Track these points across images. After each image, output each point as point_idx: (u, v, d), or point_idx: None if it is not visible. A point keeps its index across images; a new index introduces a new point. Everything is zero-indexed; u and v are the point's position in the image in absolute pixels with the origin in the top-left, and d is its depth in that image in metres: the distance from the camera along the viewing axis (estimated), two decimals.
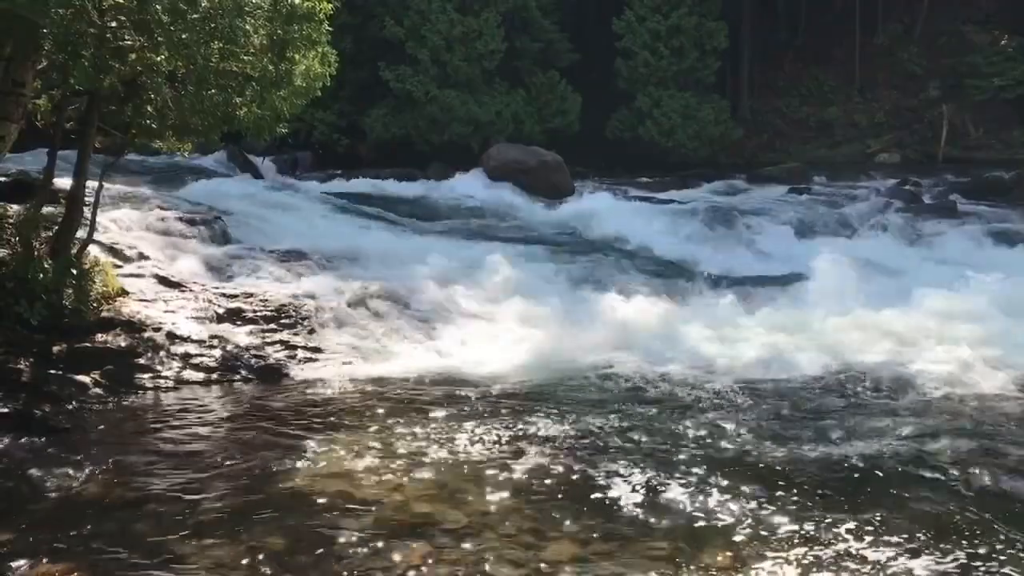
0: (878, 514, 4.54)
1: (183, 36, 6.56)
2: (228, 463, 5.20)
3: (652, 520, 4.48)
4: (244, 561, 4.04)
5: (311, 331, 7.82)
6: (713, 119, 25.44)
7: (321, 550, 4.14)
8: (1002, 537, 4.30)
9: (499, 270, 9.68)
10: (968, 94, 26.14)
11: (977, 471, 5.15)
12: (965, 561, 4.08)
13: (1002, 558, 4.09)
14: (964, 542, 4.25)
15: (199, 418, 6.02)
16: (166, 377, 6.75)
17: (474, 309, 8.75)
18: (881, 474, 5.13)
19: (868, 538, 4.29)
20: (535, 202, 16.88)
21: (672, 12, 25.37)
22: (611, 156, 24.75)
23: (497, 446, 5.49)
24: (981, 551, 4.16)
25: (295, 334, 7.73)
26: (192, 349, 7.15)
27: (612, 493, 4.80)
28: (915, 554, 4.15)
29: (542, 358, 7.36)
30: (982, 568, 4.02)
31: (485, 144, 21.76)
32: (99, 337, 6.93)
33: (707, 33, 25.58)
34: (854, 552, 4.16)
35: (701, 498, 4.73)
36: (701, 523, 4.46)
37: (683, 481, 4.96)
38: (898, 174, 22.10)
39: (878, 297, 9.46)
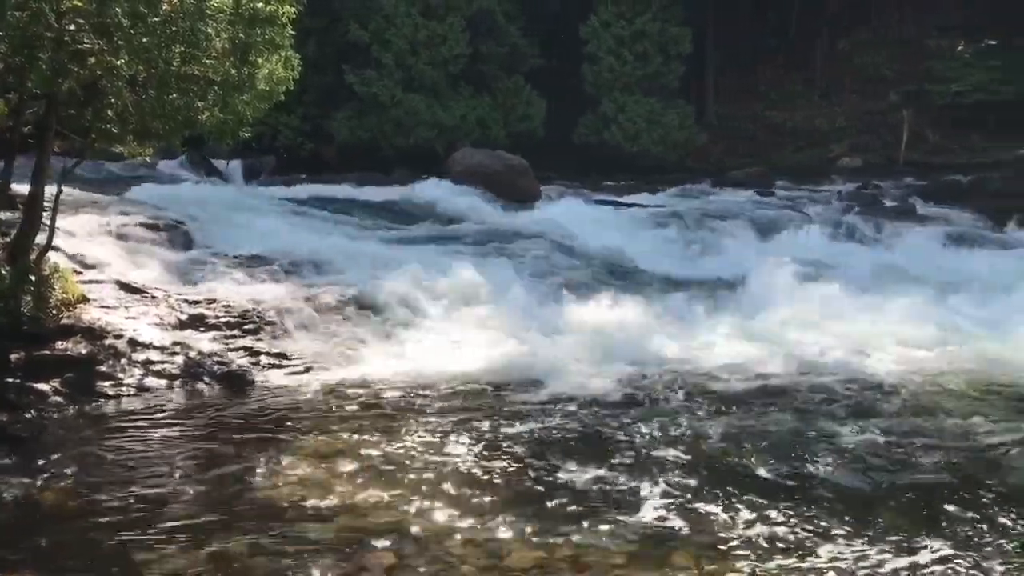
0: (842, 508, 4.61)
1: (143, 40, 6.49)
2: (190, 471, 5.15)
3: (613, 524, 4.51)
4: (205, 568, 4.01)
5: (275, 337, 7.77)
6: (677, 124, 25.63)
7: (284, 557, 4.12)
8: (964, 528, 4.37)
9: (464, 275, 9.66)
10: (928, 100, 26.55)
11: (930, 465, 5.24)
12: (923, 552, 4.14)
13: (962, 550, 4.16)
14: (924, 533, 4.32)
15: (161, 426, 5.95)
16: (127, 384, 6.67)
17: (439, 314, 8.73)
18: (844, 470, 5.21)
19: (833, 533, 4.34)
20: (501, 206, 16.87)
21: (637, 18, 25.53)
22: (578, 161, 24.81)
23: (461, 452, 5.49)
24: (946, 542, 4.23)
25: (259, 340, 7.67)
26: (154, 356, 7.06)
27: (575, 498, 4.82)
28: (871, 544, 4.21)
29: (507, 364, 7.35)
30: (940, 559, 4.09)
31: (451, 148, 21.73)
32: (59, 344, 6.83)
33: (671, 39, 25.77)
34: (817, 550, 4.20)
35: (661, 501, 4.77)
36: (661, 525, 4.50)
37: (644, 485, 5.00)
38: (860, 178, 22.42)
39: (839, 299, 9.59)
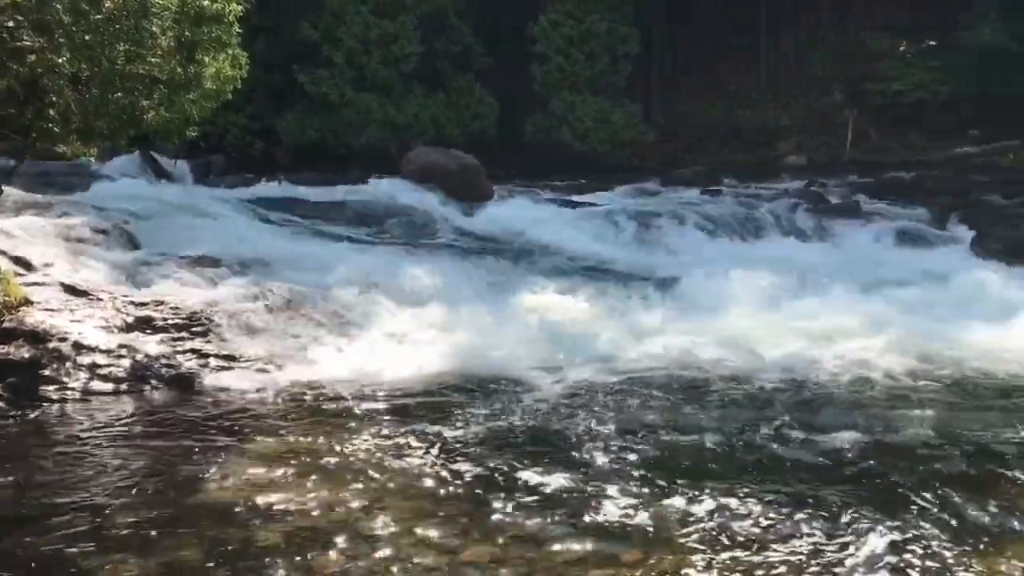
0: (792, 499, 4.70)
1: (86, 37, 6.39)
2: (139, 476, 5.08)
3: (568, 520, 4.55)
4: (157, 574, 3.96)
5: (224, 338, 7.68)
6: (625, 123, 25.83)
7: (237, 561, 4.08)
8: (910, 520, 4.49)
9: (417, 274, 9.65)
10: (870, 99, 27.10)
11: (878, 457, 5.36)
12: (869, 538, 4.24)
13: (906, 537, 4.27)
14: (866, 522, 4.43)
15: (108, 430, 5.87)
16: (73, 389, 6.55)
17: (392, 314, 8.70)
18: (792, 462, 5.31)
19: (784, 525, 4.43)
20: (454, 206, 16.85)
21: (586, 17, 25.68)
22: (529, 160, 24.88)
23: (414, 451, 5.50)
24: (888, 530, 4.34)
25: (208, 342, 7.58)
26: (100, 359, 6.95)
27: (529, 495, 4.85)
28: (817, 533, 4.31)
29: (460, 362, 7.38)
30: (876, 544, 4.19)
31: (404, 147, 21.65)
32: (0, 349, 6.69)
33: (619, 38, 25.96)
34: (769, 543, 4.28)
35: (615, 496, 4.82)
36: (615, 521, 4.54)
37: (596, 480, 5.05)
38: (805, 176, 22.81)
39: (784, 294, 9.77)
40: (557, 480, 5.04)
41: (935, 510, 4.65)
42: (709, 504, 4.72)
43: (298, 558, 4.11)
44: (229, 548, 4.20)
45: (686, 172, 23.64)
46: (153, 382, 6.87)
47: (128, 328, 7.52)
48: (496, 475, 5.12)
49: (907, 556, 4.13)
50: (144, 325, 7.65)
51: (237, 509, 4.61)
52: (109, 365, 6.91)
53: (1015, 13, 24.16)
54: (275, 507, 4.63)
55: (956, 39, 25.98)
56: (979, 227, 15.65)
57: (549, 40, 25.71)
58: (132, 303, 7.96)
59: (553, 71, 25.68)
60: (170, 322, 7.79)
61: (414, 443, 5.63)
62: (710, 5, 29.72)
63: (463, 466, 5.25)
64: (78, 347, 6.98)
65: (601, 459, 5.40)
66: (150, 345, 7.33)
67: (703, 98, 29.14)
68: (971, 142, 24.68)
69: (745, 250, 13.50)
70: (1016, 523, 4.50)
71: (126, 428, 5.93)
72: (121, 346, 7.17)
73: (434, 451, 5.50)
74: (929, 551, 4.18)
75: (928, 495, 4.84)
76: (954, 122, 25.29)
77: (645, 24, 27.22)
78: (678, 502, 4.75)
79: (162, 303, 8.09)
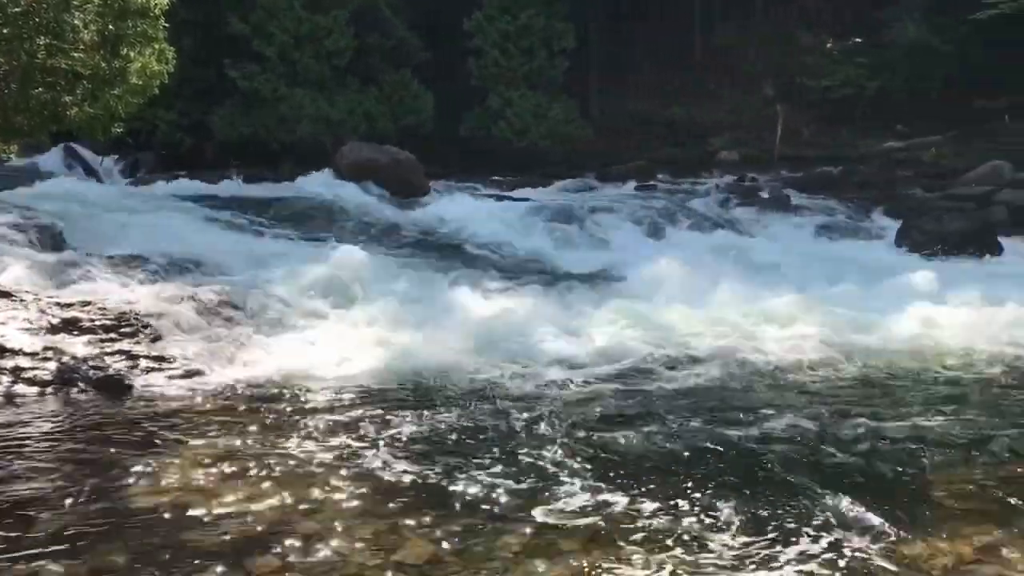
0: (728, 492, 4.79)
1: (4, 31, 6.21)
2: (66, 481, 4.95)
3: (506, 516, 4.56)
4: None
5: (154, 339, 7.54)
6: (563, 118, 25.97)
7: (168, 565, 4.01)
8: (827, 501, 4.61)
9: (351, 271, 9.58)
10: (800, 95, 27.66)
11: (810, 443, 5.50)
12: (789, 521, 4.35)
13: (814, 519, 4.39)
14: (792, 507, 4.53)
15: (33, 434, 5.70)
16: None
17: (326, 312, 8.63)
18: (729, 456, 5.41)
19: (721, 519, 4.51)
20: (389, 201, 16.78)
21: (521, 12, 25.73)
22: (466, 155, 24.87)
23: (350, 451, 5.46)
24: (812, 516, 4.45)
25: (137, 343, 7.43)
26: (24, 362, 6.76)
27: (467, 493, 4.85)
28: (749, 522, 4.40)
29: (395, 361, 7.34)
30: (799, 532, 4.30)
31: (338, 143, 21.44)
32: None
33: (555, 34, 26.08)
34: (707, 537, 4.35)
35: (553, 491, 4.85)
36: (553, 515, 4.56)
37: (535, 475, 5.08)
38: (737, 170, 23.26)
39: (717, 288, 9.94)
40: (495, 477, 5.05)
41: (853, 498, 4.78)
42: (646, 495, 4.78)
43: (232, 561, 4.05)
44: (159, 552, 4.12)
45: (622, 168, 23.90)
46: (80, 384, 6.70)
47: (54, 329, 7.33)
48: (433, 474, 5.11)
49: (830, 544, 4.25)
50: (70, 326, 7.47)
51: (167, 513, 4.53)
52: (34, 368, 6.72)
53: (939, 10, 24.87)
54: (207, 510, 4.56)
55: (882, 36, 26.66)
56: (903, 220, 16.13)
57: (485, 35, 25.71)
58: (58, 304, 7.77)
59: (490, 66, 25.70)
60: (97, 323, 7.62)
61: (349, 443, 5.59)
62: (645, 1, 30.02)
63: (399, 465, 5.23)
64: (1, 350, 6.78)
65: (539, 454, 5.43)
66: (77, 347, 7.16)
67: (639, 94, 29.43)
68: (896, 137, 25.38)
69: (678, 244, 13.69)
70: (923, 513, 4.64)
71: (52, 432, 5.77)
72: (47, 348, 6.98)
73: (369, 451, 5.47)
74: (848, 539, 4.30)
75: (847, 483, 5.00)
76: (882, 117, 25.96)
77: (583, 20, 27.38)
78: (616, 494, 4.80)
79: (89, 304, 7.91)
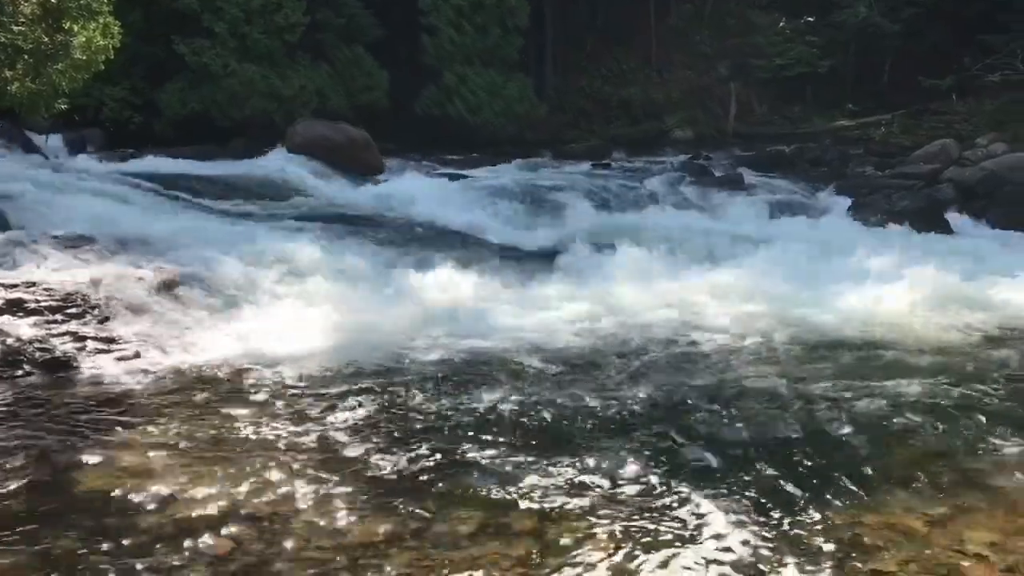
0: (681, 467, 4.85)
1: None
2: (11, 465, 4.85)
3: (460, 493, 4.58)
4: (30, 567, 3.81)
5: (102, 321, 7.39)
6: (518, 97, 25.90)
7: (117, 549, 3.96)
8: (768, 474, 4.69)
9: (304, 251, 9.48)
10: (753, 73, 27.88)
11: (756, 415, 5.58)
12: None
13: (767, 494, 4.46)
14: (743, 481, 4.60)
15: None
16: None
17: (279, 292, 8.53)
18: (681, 430, 5.47)
19: (673, 493, 4.56)
20: (342, 180, 16.61)
21: None
22: (421, 133, 24.69)
23: (302, 432, 5.41)
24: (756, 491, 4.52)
25: (84, 324, 7.28)
26: None
27: (421, 472, 4.85)
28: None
29: (348, 341, 7.28)
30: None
31: (290, 120, 21.16)
32: None
33: (509, 11, 25.94)
34: (658, 511, 4.40)
35: (507, 469, 4.87)
36: (507, 493, 4.59)
37: (490, 454, 5.09)
38: (691, 149, 23.43)
39: (670, 265, 10.03)
40: (448, 456, 5.06)
41: (798, 469, 4.88)
42: (598, 471, 4.83)
43: (184, 543, 4.01)
44: (109, 536, 4.06)
45: (576, 147, 23.95)
46: (26, 367, 6.55)
47: None
48: (386, 454, 5.09)
49: (780, 516, 4.33)
50: (15, 308, 7.29)
51: (117, 496, 4.46)
52: None
53: None
54: (158, 493, 4.50)
55: (833, 16, 26.95)
56: (854, 197, 16.37)
57: (439, 11, 25.49)
58: (1, 285, 7.58)
59: (444, 43, 25.50)
60: (43, 304, 7.45)
61: (301, 425, 5.55)
62: None
63: (352, 446, 5.21)
64: None
65: (492, 432, 5.44)
66: (22, 328, 6.99)
67: (594, 73, 29.45)
68: (847, 116, 25.73)
69: (633, 222, 13.75)
70: (872, 487, 4.73)
71: None
72: None
73: (321, 432, 5.43)
74: (796, 512, 4.38)
75: (794, 455, 5.09)
76: (834, 96, 26.29)
77: None
78: (569, 470, 4.84)
79: (34, 285, 7.72)
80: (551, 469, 4.86)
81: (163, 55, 22.72)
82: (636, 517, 4.31)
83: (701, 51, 29.44)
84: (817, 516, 4.32)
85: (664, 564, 3.90)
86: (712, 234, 12.88)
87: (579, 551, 3.99)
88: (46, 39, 6.82)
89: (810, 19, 28.37)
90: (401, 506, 4.42)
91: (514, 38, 26.17)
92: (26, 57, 6.76)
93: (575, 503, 4.46)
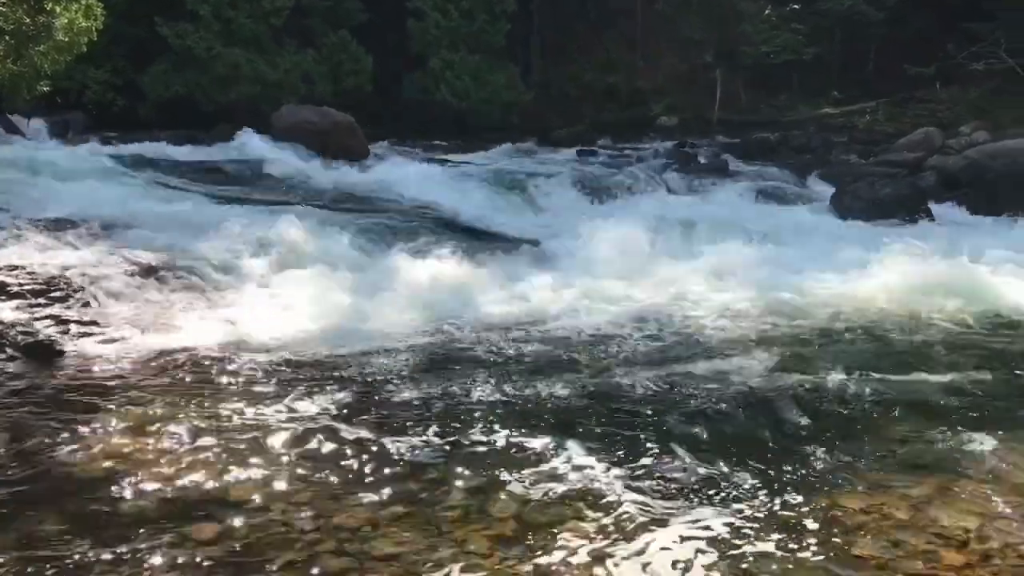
0: (662, 454, 4.88)
1: None
2: None
3: (444, 479, 4.59)
4: (16, 551, 3.81)
5: (85, 304, 7.37)
6: (504, 83, 25.85)
7: (101, 532, 3.96)
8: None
9: (290, 235, 9.46)
10: (740, 60, 27.90)
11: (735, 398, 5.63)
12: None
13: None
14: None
15: None
16: None
17: (264, 276, 8.52)
18: (668, 416, 5.51)
19: (654, 481, 4.60)
20: (328, 165, 16.53)
21: None
22: (407, 118, 24.61)
23: (288, 419, 5.41)
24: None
25: (67, 308, 7.26)
26: None
27: (405, 457, 4.86)
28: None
29: (333, 326, 7.27)
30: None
31: (275, 104, 21.05)
32: None
33: None
34: (637, 500, 4.43)
35: (490, 455, 4.89)
36: (489, 479, 4.61)
37: (472, 439, 5.11)
38: (676, 136, 23.44)
39: (655, 252, 10.07)
40: (433, 441, 5.08)
41: (780, 454, 4.93)
42: (581, 455, 4.86)
43: (168, 528, 4.02)
44: (94, 519, 4.07)
45: (562, 133, 23.92)
46: (9, 350, 6.53)
47: None
48: (372, 439, 5.11)
49: (763, 499, 4.37)
50: None
51: (101, 481, 4.46)
52: None
53: None
54: (141, 478, 4.50)
55: (819, 3, 26.97)
56: (838, 185, 16.43)
57: None
58: None
59: (430, 28, 25.39)
60: (26, 288, 7.43)
61: (286, 410, 5.55)
62: None
63: (337, 431, 5.21)
64: None
65: (476, 417, 5.46)
66: (4, 312, 6.97)
67: (581, 59, 29.40)
68: (832, 104, 25.80)
69: (618, 209, 13.78)
70: (855, 470, 4.79)
71: None
72: None
73: (307, 417, 5.43)
74: (780, 494, 4.43)
75: (776, 440, 5.14)
76: (820, 84, 26.34)
77: None
78: (552, 457, 4.86)
79: (16, 268, 7.71)
80: (535, 454, 4.89)
81: (147, 37, 22.55)
82: (617, 501, 4.34)
83: (688, 37, 29.42)
84: (799, 499, 4.36)
85: (644, 548, 3.93)
86: (697, 221, 12.89)
87: (561, 535, 4.02)
88: (28, 20, 6.76)
89: (796, 6, 28.40)
90: (385, 491, 4.43)
91: (501, 24, 26.10)
92: (8, 39, 6.69)
93: (558, 488, 4.49)
